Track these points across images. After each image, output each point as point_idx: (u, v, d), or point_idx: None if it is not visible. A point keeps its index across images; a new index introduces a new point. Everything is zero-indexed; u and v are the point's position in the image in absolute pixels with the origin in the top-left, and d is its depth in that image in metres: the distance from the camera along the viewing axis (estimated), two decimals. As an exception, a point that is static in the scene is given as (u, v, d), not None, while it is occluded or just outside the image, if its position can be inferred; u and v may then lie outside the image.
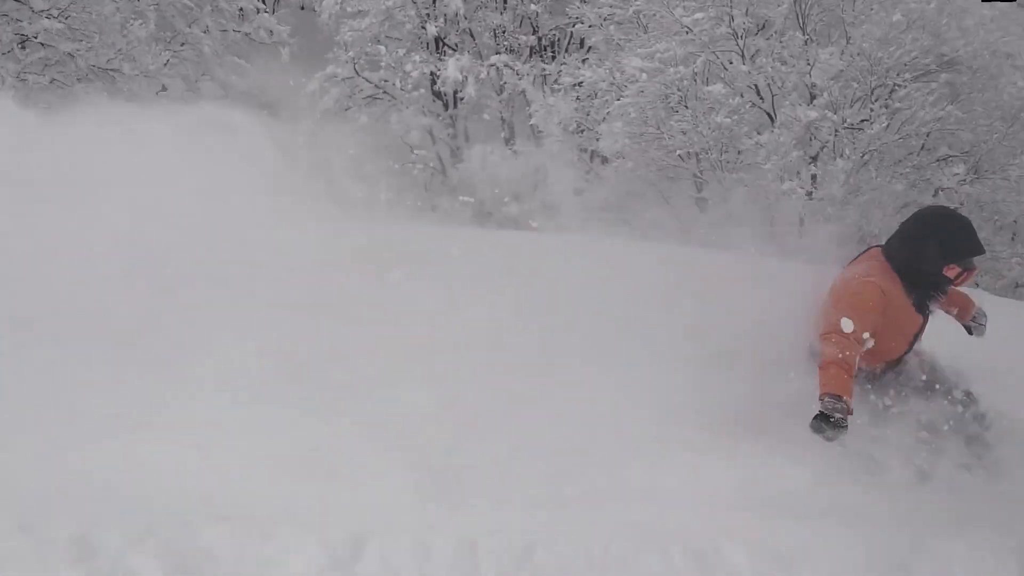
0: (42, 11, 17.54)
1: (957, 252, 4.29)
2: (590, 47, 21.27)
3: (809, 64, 18.17)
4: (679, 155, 19.06)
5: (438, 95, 21.91)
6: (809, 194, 18.14)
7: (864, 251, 4.57)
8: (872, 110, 18.37)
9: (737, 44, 18.59)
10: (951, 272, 4.31)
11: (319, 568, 3.23)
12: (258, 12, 22.19)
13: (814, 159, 18.70)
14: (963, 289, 4.63)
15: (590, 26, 20.87)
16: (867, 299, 4.23)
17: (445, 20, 21.61)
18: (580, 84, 19.73)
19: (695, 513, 3.83)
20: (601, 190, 19.58)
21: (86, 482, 3.45)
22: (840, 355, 4.11)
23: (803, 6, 18.11)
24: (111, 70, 18.31)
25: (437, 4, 21.51)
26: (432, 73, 21.37)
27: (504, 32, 22.26)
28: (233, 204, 5.37)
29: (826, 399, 4.08)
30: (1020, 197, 19.87)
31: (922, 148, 18.79)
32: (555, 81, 20.50)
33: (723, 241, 6.34)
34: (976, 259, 4.53)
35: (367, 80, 21.23)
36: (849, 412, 4.08)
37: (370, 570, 3.23)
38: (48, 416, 3.81)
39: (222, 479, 3.61)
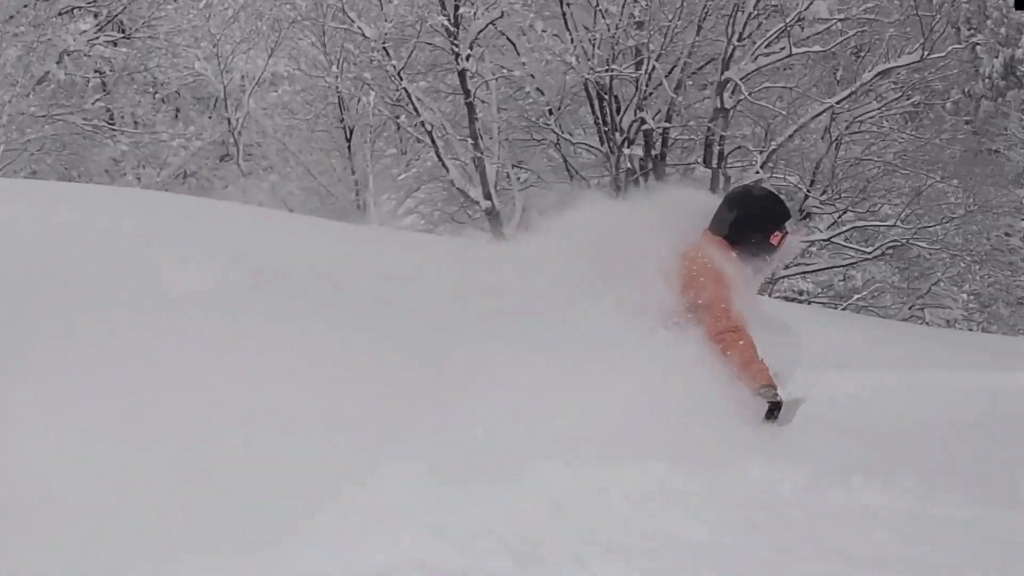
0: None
1: (780, 220, 4.98)
2: None
3: None
4: None
5: None
6: None
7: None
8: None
9: None
10: (776, 239, 4.95)
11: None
12: None
13: None
14: None
15: None
16: (728, 280, 4.77)
17: None
18: None
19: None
20: None
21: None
22: (748, 351, 4.73)
23: None
24: None
25: None
26: None
27: None
28: None
29: (764, 390, 4.70)
30: (176, 60, 17.03)
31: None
32: None
33: None
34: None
35: None
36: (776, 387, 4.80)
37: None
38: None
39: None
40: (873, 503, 3.95)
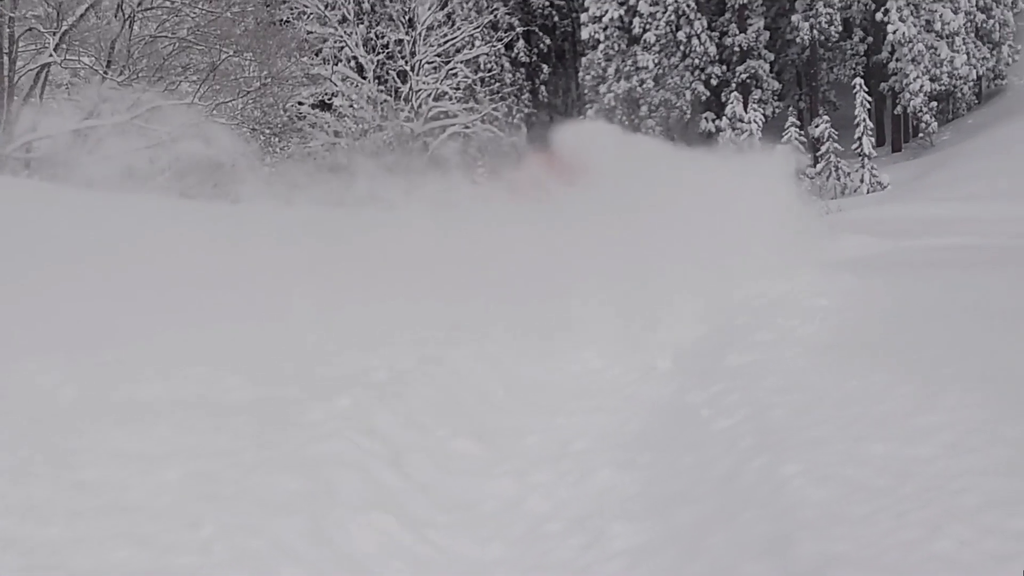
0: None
1: None
2: None
3: None
4: None
5: None
6: None
7: None
8: None
9: None
10: None
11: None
12: None
13: None
14: None
15: None
16: None
17: None
18: None
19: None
20: None
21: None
22: None
23: None
24: None
25: None
26: None
27: None
28: None
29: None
30: None
31: None
32: None
33: None
34: None
35: None
36: None
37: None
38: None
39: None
40: (156, 398, 3.95)
